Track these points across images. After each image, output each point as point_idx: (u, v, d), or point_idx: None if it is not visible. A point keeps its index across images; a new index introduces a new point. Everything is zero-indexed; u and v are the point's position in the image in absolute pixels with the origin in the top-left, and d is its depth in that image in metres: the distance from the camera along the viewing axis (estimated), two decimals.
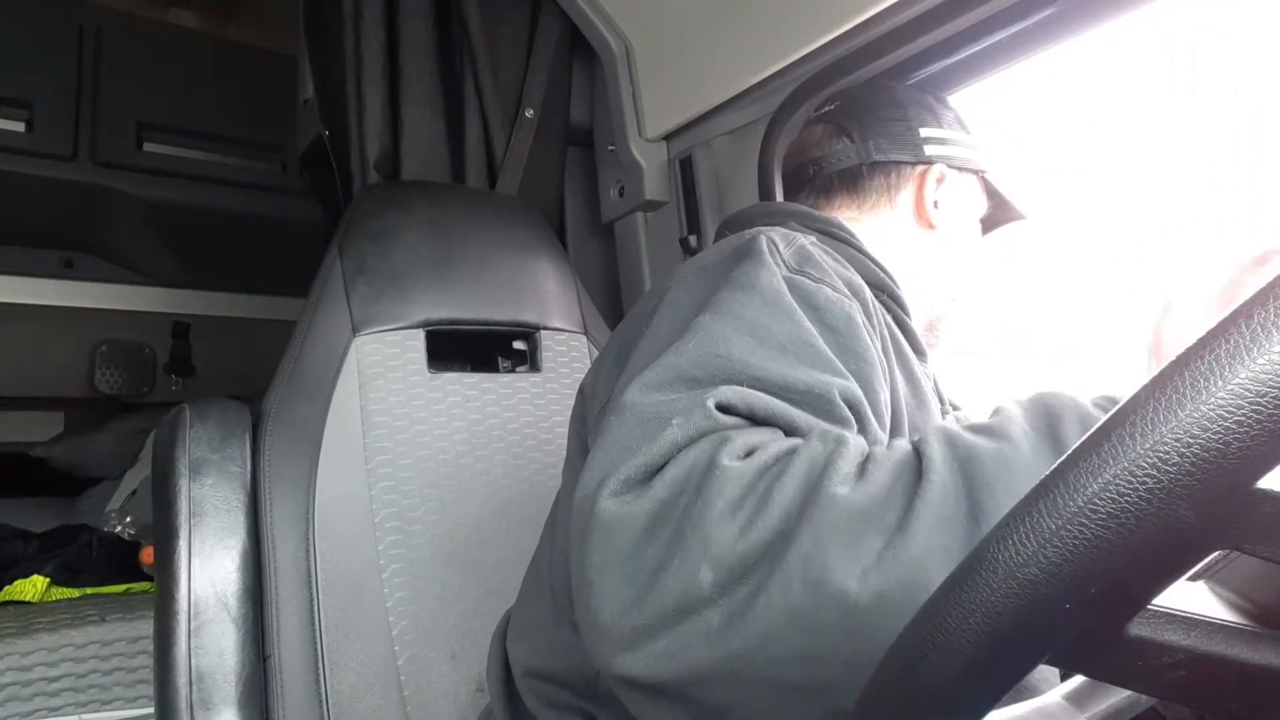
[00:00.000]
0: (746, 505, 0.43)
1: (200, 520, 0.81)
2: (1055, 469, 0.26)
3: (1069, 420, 0.44)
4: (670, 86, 1.23)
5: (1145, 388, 0.24)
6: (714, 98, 1.13)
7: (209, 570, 0.80)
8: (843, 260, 0.69)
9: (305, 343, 0.91)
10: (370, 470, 0.89)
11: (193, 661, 0.77)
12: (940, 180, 0.84)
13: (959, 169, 0.86)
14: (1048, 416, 0.45)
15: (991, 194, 0.90)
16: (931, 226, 0.84)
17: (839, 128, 0.87)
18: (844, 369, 0.55)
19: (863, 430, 0.54)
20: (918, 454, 0.44)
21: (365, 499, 0.88)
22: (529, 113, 1.32)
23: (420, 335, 0.96)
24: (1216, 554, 0.26)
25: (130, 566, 1.59)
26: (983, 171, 0.88)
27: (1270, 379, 0.22)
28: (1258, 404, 0.22)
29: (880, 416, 0.57)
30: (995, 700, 0.29)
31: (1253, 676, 0.28)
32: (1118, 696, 0.50)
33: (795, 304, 0.57)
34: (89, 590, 1.50)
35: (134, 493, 1.79)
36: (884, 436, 0.57)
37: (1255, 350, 0.22)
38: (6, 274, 1.95)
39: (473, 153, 1.29)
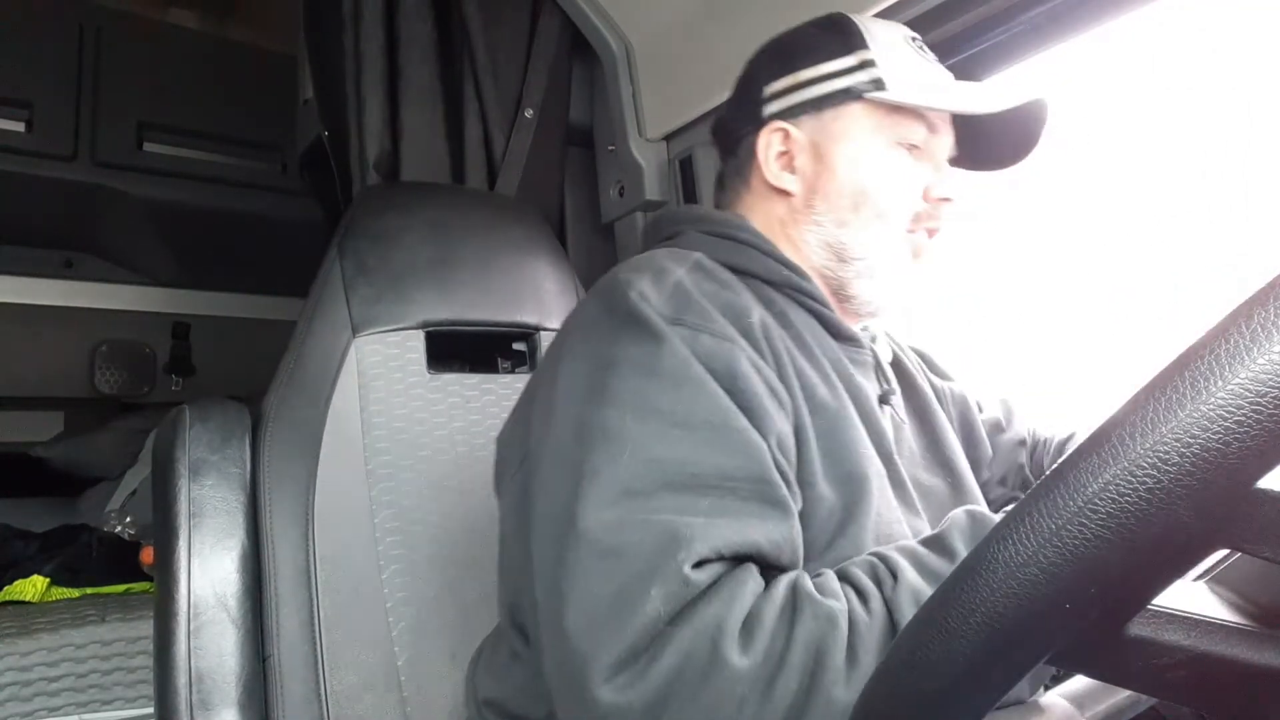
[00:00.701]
0: (749, 706, 0.46)
1: (200, 521, 0.81)
2: (1055, 469, 0.26)
3: None
4: (670, 86, 1.23)
5: (1145, 388, 0.24)
6: (714, 98, 1.13)
7: (209, 571, 0.80)
8: (728, 280, 0.66)
9: (305, 344, 0.91)
10: (370, 471, 0.89)
11: (192, 662, 0.77)
12: (783, 136, 0.73)
13: (816, 111, 0.73)
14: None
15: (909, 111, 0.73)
16: (784, 191, 0.74)
17: (726, 102, 0.81)
18: (757, 431, 0.56)
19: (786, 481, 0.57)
20: (893, 624, 0.48)
21: (365, 500, 0.88)
22: (529, 113, 1.32)
23: (420, 336, 0.96)
24: (1216, 554, 0.26)
25: (130, 566, 1.59)
26: (860, 95, 0.72)
27: (1270, 379, 0.22)
28: (1258, 404, 0.22)
29: (785, 457, 0.58)
30: (995, 700, 0.29)
31: (1253, 676, 0.28)
32: (1118, 696, 0.50)
33: (700, 372, 0.57)
34: (89, 590, 1.50)
35: (134, 493, 1.79)
36: (790, 475, 0.58)
37: (1255, 350, 0.22)
38: (6, 274, 1.95)
39: (472, 153, 1.29)
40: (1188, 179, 1.10)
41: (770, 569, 0.53)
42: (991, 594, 0.26)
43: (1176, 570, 0.25)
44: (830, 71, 0.73)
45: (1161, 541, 0.24)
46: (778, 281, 0.70)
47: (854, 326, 0.74)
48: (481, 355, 1.08)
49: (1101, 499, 0.24)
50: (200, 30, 2.13)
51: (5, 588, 1.46)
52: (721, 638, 0.47)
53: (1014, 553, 0.26)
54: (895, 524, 0.64)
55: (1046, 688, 0.53)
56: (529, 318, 1.05)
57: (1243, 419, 0.22)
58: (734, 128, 0.78)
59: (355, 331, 0.92)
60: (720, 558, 0.51)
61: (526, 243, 1.11)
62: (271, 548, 0.83)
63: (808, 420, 0.62)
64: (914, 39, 0.76)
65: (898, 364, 0.83)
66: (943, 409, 0.84)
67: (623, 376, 0.57)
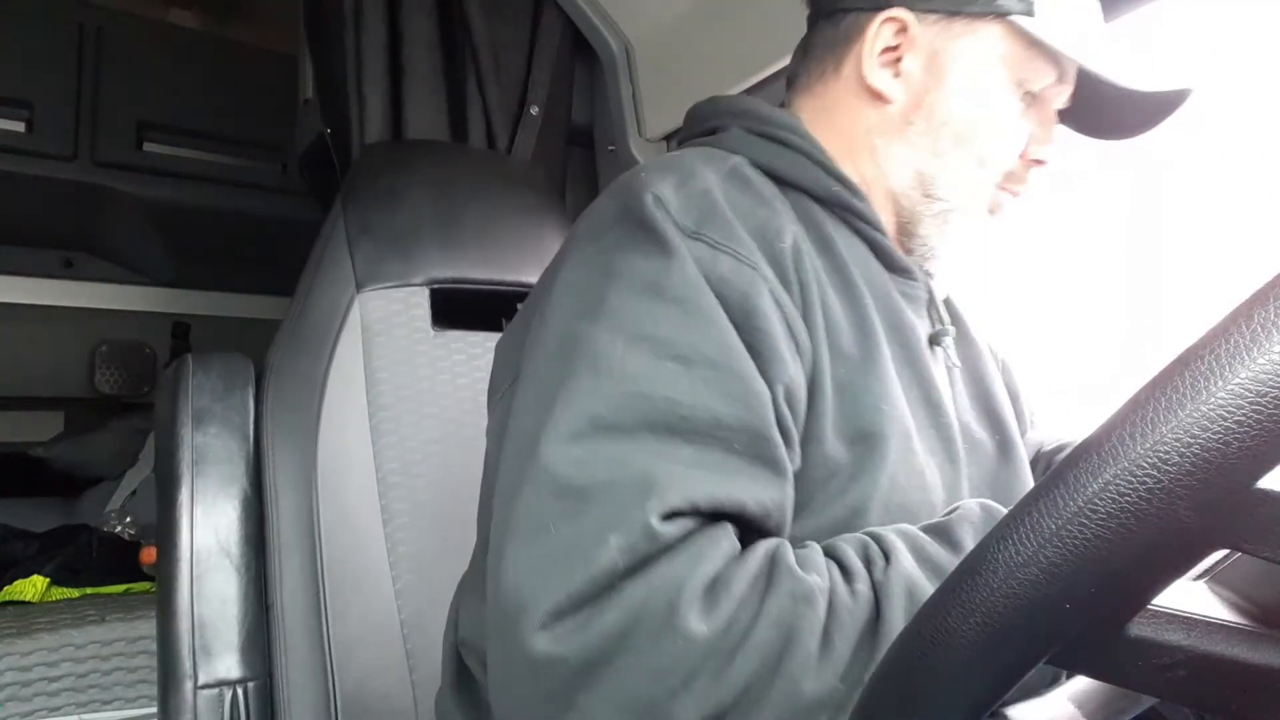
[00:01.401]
0: (701, 678, 0.41)
1: (203, 469, 0.81)
2: (1056, 469, 0.26)
3: None
4: (670, 86, 1.23)
5: (1145, 388, 0.24)
6: None
7: (211, 518, 0.80)
8: (765, 194, 0.58)
9: (308, 298, 0.91)
10: (374, 426, 0.89)
11: (195, 609, 0.77)
12: (902, 30, 0.61)
13: (950, 13, 0.61)
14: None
15: (1047, 53, 0.61)
16: (881, 97, 0.63)
17: None
18: (762, 377, 0.50)
19: (788, 434, 0.51)
20: (878, 611, 0.43)
21: (368, 453, 0.88)
22: (534, 110, 1.31)
23: (425, 293, 0.96)
24: (1216, 554, 0.26)
25: (130, 566, 1.59)
26: (1004, 13, 0.60)
27: (1270, 379, 0.22)
28: (1258, 404, 0.22)
29: (792, 408, 0.52)
30: (995, 700, 0.29)
31: (1253, 676, 0.28)
32: (1118, 696, 0.50)
33: (711, 302, 0.50)
34: (89, 590, 1.50)
35: (134, 493, 1.79)
36: (793, 430, 0.52)
37: (1255, 350, 0.22)
38: (6, 274, 1.95)
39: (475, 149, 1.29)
40: (1187, 179, 1.10)
41: (753, 534, 0.47)
42: (991, 594, 0.26)
43: (1176, 570, 0.25)
44: None
45: (1161, 541, 0.24)
46: (826, 198, 0.61)
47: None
48: (486, 314, 1.08)
49: (1101, 499, 0.24)
50: (200, 30, 2.13)
51: (5, 588, 1.46)
52: (680, 599, 0.41)
53: (1014, 553, 0.26)
54: (917, 489, 0.56)
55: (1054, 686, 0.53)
56: (534, 277, 1.04)
57: (1243, 419, 0.22)
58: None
59: (359, 287, 0.92)
60: (696, 512, 0.44)
61: (532, 202, 1.11)
62: (274, 497, 0.83)
63: (827, 367, 0.54)
64: None
65: (951, 305, 0.75)
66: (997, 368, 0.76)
67: (622, 292, 0.50)
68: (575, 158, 1.42)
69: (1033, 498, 0.26)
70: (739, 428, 0.47)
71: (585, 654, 0.41)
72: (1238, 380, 0.22)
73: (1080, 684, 0.51)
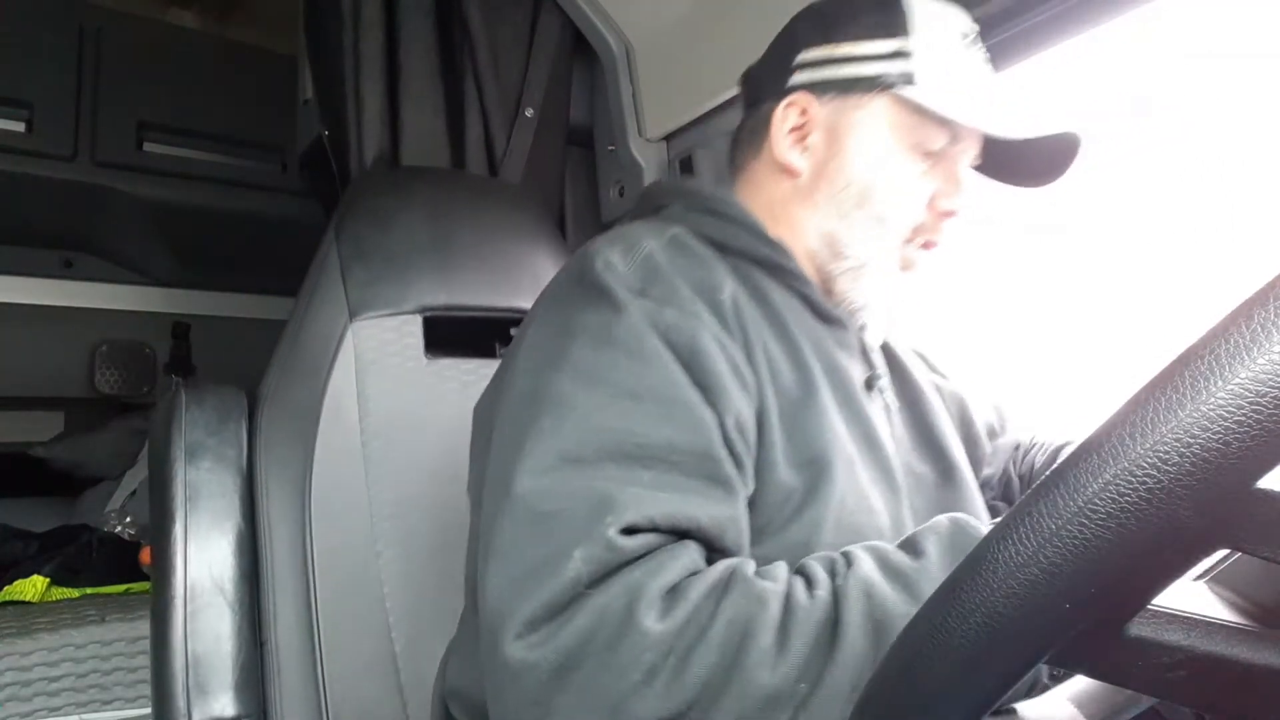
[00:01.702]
0: (662, 675, 0.44)
1: (196, 504, 0.80)
2: (1056, 469, 0.26)
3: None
4: (670, 86, 1.23)
5: (1145, 387, 0.24)
6: (714, 98, 1.13)
7: (205, 554, 0.79)
8: (703, 256, 0.64)
9: (301, 327, 0.91)
10: (367, 456, 0.89)
11: (189, 646, 0.77)
12: (802, 113, 0.70)
13: (844, 92, 0.68)
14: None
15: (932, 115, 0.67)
16: (791, 171, 0.71)
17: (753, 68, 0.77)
18: (710, 408, 0.55)
19: (739, 460, 0.56)
20: (835, 613, 0.46)
21: (362, 484, 0.88)
22: (529, 112, 1.32)
23: (418, 321, 0.95)
24: (1217, 554, 0.26)
25: (130, 566, 1.59)
26: (891, 87, 0.67)
27: (1270, 379, 0.22)
28: (1258, 404, 0.22)
29: (742, 437, 0.57)
30: (995, 700, 0.29)
31: (1253, 676, 0.28)
32: (1118, 696, 0.50)
33: (656, 345, 0.56)
34: (89, 590, 1.50)
35: (134, 493, 1.79)
36: (746, 455, 0.57)
37: (1255, 350, 0.22)
38: (6, 274, 1.95)
39: (473, 152, 1.29)
40: (1185, 179, 1.10)
41: (714, 551, 0.52)
42: (991, 594, 0.26)
43: (1176, 570, 0.25)
44: (865, 54, 0.68)
45: (1161, 541, 0.24)
46: (760, 259, 0.68)
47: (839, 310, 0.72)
48: (479, 340, 1.08)
49: (1101, 499, 0.24)
50: (200, 30, 2.13)
51: (5, 588, 1.45)
52: (638, 601, 0.45)
53: (1014, 553, 0.26)
54: (864, 513, 0.62)
55: (1046, 687, 0.53)
56: (527, 303, 1.05)
57: (1243, 419, 0.22)
58: (758, 86, 0.74)
59: (352, 315, 0.91)
60: (656, 528, 0.49)
61: (525, 228, 1.11)
62: (268, 531, 0.83)
63: (772, 402, 0.60)
64: (972, 33, 0.70)
65: (888, 351, 0.82)
66: (942, 404, 0.83)
67: (579, 345, 0.57)
68: (575, 158, 1.42)
69: (1033, 498, 0.26)
70: (690, 451, 0.52)
71: (557, 658, 0.45)
72: (1238, 380, 0.22)
73: (1080, 684, 0.51)
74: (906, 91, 0.66)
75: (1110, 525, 0.24)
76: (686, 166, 1.23)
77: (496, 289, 1.03)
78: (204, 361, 2.16)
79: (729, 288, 0.62)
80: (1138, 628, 0.28)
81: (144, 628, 1.31)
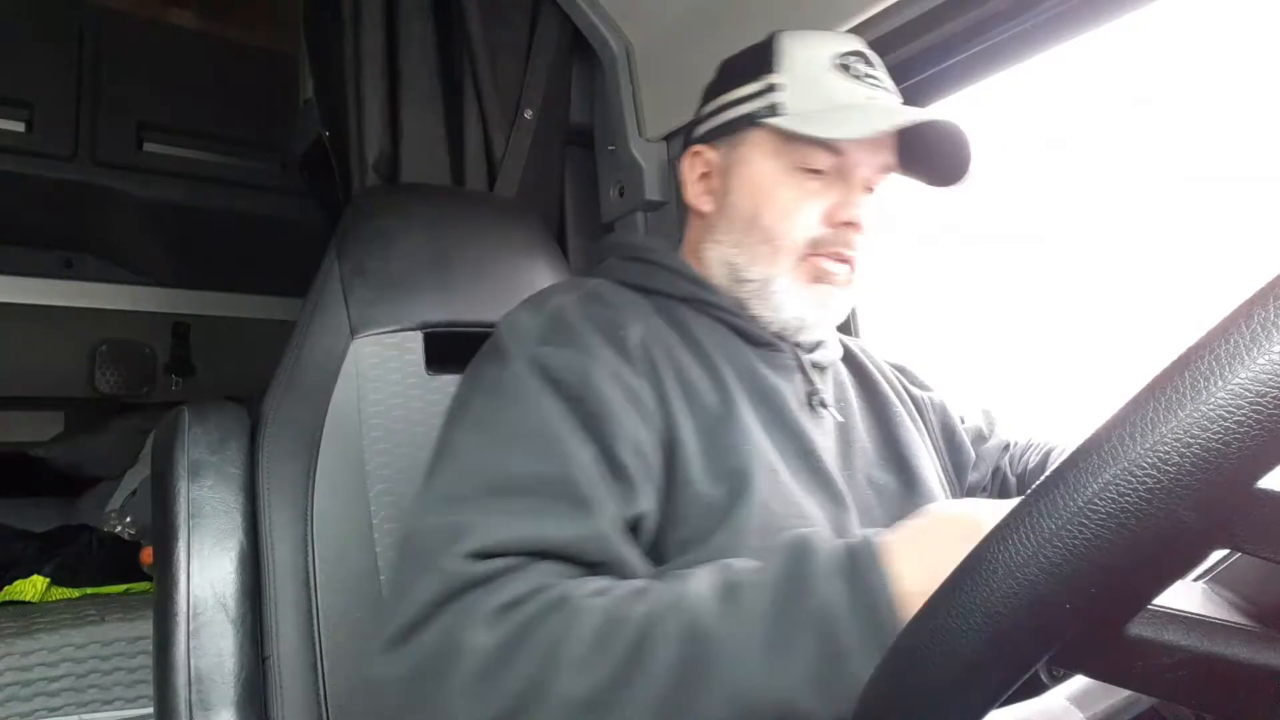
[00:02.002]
0: (484, 683, 0.48)
1: (199, 522, 0.81)
2: (1056, 469, 0.26)
3: (804, 599, 0.48)
4: (670, 86, 1.23)
5: (1145, 388, 0.24)
6: None
7: (208, 571, 0.80)
8: (615, 303, 0.71)
9: (304, 345, 0.91)
10: (369, 472, 0.89)
11: (192, 662, 0.77)
12: (697, 155, 0.80)
13: (728, 135, 0.77)
14: (790, 585, 0.49)
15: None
16: (701, 213, 0.81)
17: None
18: (586, 441, 0.60)
19: (623, 484, 0.60)
20: (652, 625, 0.49)
21: (364, 501, 0.88)
22: (527, 114, 1.32)
23: (419, 337, 0.96)
24: (1217, 554, 0.26)
25: (130, 566, 1.59)
26: (758, 120, 0.74)
27: (1270, 379, 0.22)
28: (1258, 404, 0.22)
29: (637, 459, 0.61)
30: (996, 700, 0.29)
31: (1253, 676, 0.28)
32: (1118, 696, 0.50)
33: (535, 389, 0.62)
34: (89, 590, 1.51)
35: (134, 493, 1.79)
36: (637, 475, 0.61)
37: (1255, 350, 0.22)
38: (6, 274, 1.95)
39: (472, 153, 1.29)
40: (1183, 180, 1.10)
41: (580, 566, 0.56)
42: (991, 594, 0.26)
43: (1176, 570, 0.25)
44: (739, 96, 0.77)
45: (1161, 541, 0.24)
46: (683, 297, 0.75)
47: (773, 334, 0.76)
48: None
49: (1101, 499, 0.24)
50: (200, 30, 2.13)
51: (5, 588, 1.46)
52: (473, 618, 0.50)
53: (1014, 553, 0.26)
54: (795, 518, 0.65)
55: (1046, 687, 0.53)
56: None
57: (1243, 419, 0.22)
58: (677, 151, 0.84)
59: (354, 333, 0.92)
60: (508, 551, 0.53)
61: (524, 244, 1.11)
62: (271, 548, 0.83)
63: (686, 423, 0.66)
64: (848, 55, 0.75)
65: (858, 368, 0.87)
66: (922, 417, 0.88)
67: (476, 398, 0.65)
68: (575, 158, 1.42)
69: (1033, 498, 0.26)
70: (553, 479, 0.57)
71: (407, 673, 0.51)
72: (1238, 380, 0.22)
73: (1080, 684, 0.51)
74: (772, 121, 0.73)
75: (1110, 525, 0.24)
76: None
77: (496, 304, 1.03)
78: (204, 361, 2.16)
79: (637, 328, 0.69)
80: (1138, 628, 0.28)
81: (144, 628, 1.32)
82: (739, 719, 0.46)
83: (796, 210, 0.73)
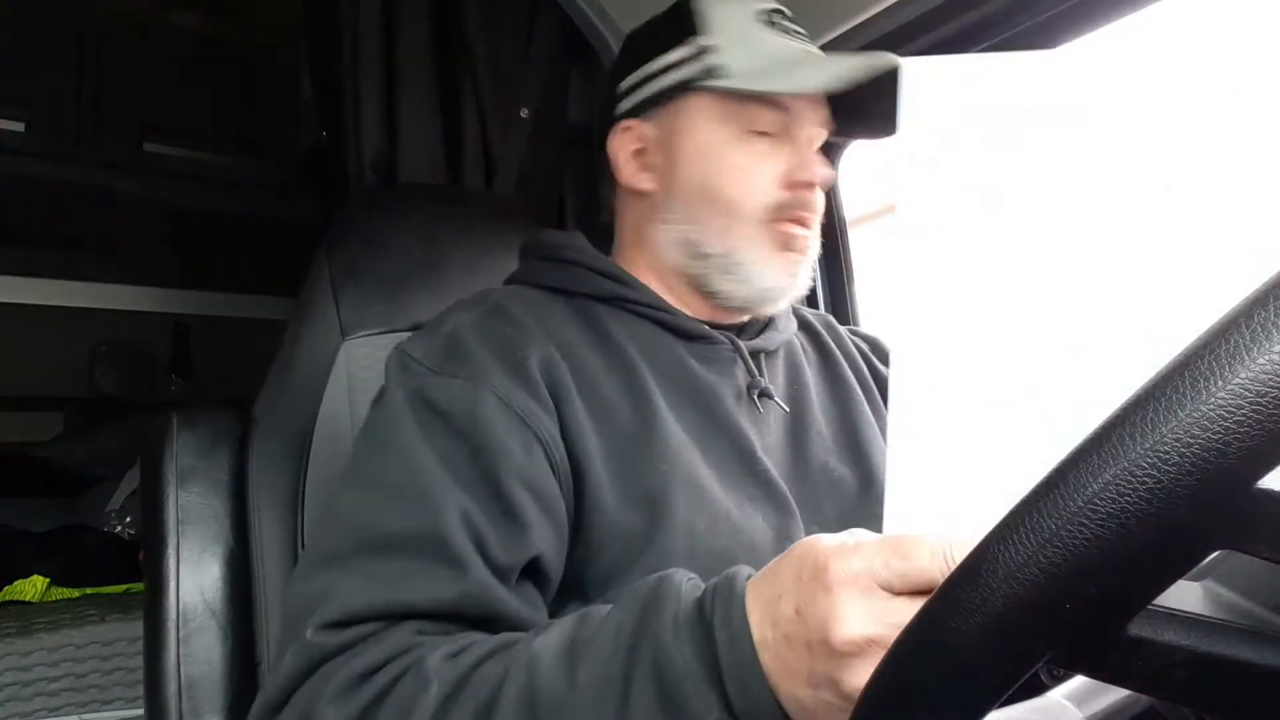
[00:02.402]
0: None
1: (188, 528, 0.80)
2: (1056, 469, 0.26)
3: (643, 655, 0.42)
4: None
5: (1145, 388, 0.24)
6: None
7: (197, 578, 0.79)
8: (518, 318, 0.66)
9: (294, 348, 0.90)
10: None
11: (182, 669, 0.76)
12: (628, 131, 0.73)
13: (662, 104, 0.71)
14: (631, 644, 0.43)
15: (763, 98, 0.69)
16: (641, 192, 0.73)
17: None
18: (472, 479, 0.56)
19: (511, 527, 0.56)
20: (498, 689, 0.45)
21: None
22: (524, 112, 1.31)
23: None
24: (1216, 554, 0.26)
25: (130, 566, 1.59)
26: (696, 83, 0.69)
27: (1270, 379, 0.22)
28: (1258, 404, 0.22)
29: (530, 497, 0.57)
30: (996, 700, 0.29)
31: (1253, 676, 0.28)
32: (1118, 696, 0.50)
33: (413, 430, 0.58)
34: (89, 590, 1.51)
35: (134, 493, 1.79)
36: (530, 515, 0.57)
37: (1255, 350, 0.22)
38: (6, 274, 1.95)
39: (470, 152, 1.29)
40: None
41: (457, 624, 0.53)
42: (991, 594, 0.26)
43: (1177, 570, 0.25)
44: (669, 63, 0.71)
45: (1162, 541, 0.24)
46: (603, 297, 0.70)
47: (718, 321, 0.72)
48: None
49: (1101, 499, 0.24)
50: (200, 30, 2.13)
51: (5, 588, 1.46)
52: (323, 694, 0.48)
53: (1014, 553, 0.26)
54: (726, 535, 0.61)
55: (1046, 687, 0.53)
56: None
57: (1243, 419, 0.22)
58: (595, 131, 0.77)
59: (344, 334, 0.90)
60: (366, 619, 0.51)
61: (518, 243, 1.11)
62: (261, 554, 0.82)
63: (594, 448, 0.61)
64: (769, 11, 0.72)
65: (820, 345, 0.81)
66: (885, 400, 0.80)
67: (359, 448, 0.62)
68: (574, 158, 1.42)
69: (1033, 498, 0.26)
70: (420, 536, 0.54)
71: None
72: (1238, 380, 0.22)
73: (1080, 684, 0.51)
74: (713, 83, 0.68)
75: (1110, 525, 0.24)
76: None
77: None
78: (204, 361, 2.16)
79: (538, 348, 0.63)
80: (1138, 628, 0.27)
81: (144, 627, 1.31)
82: None
83: (753, 175, 0.68)
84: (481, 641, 0.50)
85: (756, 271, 0.69)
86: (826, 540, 0.39)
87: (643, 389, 0.65)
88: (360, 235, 0.98)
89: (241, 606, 0.81)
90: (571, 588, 0.61)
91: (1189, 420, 0.23)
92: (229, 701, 0.77)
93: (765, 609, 0.40)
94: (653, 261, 0.74)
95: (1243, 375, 0.22)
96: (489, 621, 0.54)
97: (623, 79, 0.74)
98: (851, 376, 0.80)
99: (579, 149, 1.42)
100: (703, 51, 0.69)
